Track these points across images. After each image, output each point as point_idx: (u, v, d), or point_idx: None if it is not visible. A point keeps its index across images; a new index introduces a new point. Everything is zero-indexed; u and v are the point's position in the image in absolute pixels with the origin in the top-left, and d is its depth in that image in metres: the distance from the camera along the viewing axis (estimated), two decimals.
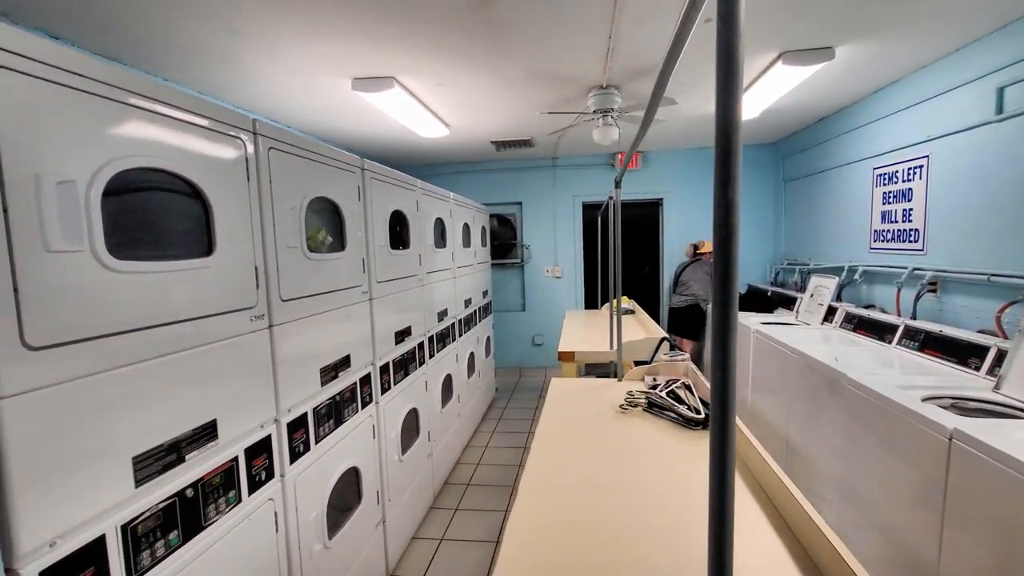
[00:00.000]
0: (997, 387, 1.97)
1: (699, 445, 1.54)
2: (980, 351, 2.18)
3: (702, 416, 1.62)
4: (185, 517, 1.12)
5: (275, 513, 1.44)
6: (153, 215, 1.12)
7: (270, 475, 1.42)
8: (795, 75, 2.78)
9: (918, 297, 2.86)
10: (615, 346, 2.70)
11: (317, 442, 1.67)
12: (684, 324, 4.69)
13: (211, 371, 1.21)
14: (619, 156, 5.25)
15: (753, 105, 3.42)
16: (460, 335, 3.56)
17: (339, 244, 1.91)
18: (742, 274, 5.23)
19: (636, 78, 2.90)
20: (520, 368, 5.74)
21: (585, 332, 3.69)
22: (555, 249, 5.58)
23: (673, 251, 5.36)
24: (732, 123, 0.44)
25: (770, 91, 3.09)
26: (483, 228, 4.51)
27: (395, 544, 2.34)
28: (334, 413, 1.79)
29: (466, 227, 3.84)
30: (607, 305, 4.60)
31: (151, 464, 1.04)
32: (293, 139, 1.58)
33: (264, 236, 1.42)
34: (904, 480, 1.83)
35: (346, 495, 1.95)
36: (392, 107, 3.12)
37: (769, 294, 4.55)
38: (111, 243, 0.96)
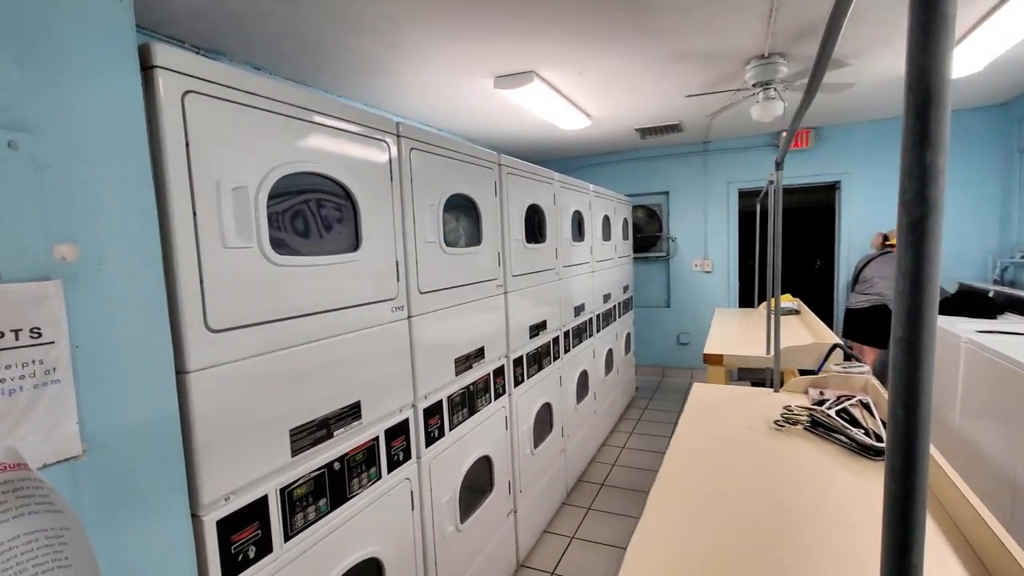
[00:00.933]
0: None
1: (876, 477, 1.27)
2: None
3: (882, 444, 1.32)
4: (333, 487, 1.24)
5: (411, 492, 1.54)
6: (308, 215, 1.25)
7: (407, 456, 1.52)
8: None
9: None
10: (772, 350, 2.38)
11: (451, 429, 1.74)
12: (866, 328, 3.97)
13: (356, 357, 1.32)
14: (784, 134, 4.62)
15: (973, 57, 2.72)
16: (597, 331, 3.47)
17: (476, 238, 1.96)
18: (949, 270, 4.25)
19: (806, 39, 2.49)
20: (663, 367, 5.43)
21: (738, 333, 3.33)
22: (705, 241, 5.14)
23: (853, 242, 4.57)
24: (936, 54, 0.31)
25: (999, 36, 2.42)
26: (625, 220, 4.33)
27: (526, 535, 2.36)
28: (467, 402, 1.85)
29: (606, 219, 3.72)
30: (765, 304, 4.10)
31: (305, 437, 1.17)
32: (433, 139, 1.66)
33: (404, 232, 1.51)
34: None
35: (479, 482, 2.01)
36: (532, 102, 3.13)
37: (991, 295, 3.62)
38: (274, 241, 1.09)
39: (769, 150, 4.79)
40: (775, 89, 2.67)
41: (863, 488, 1.23)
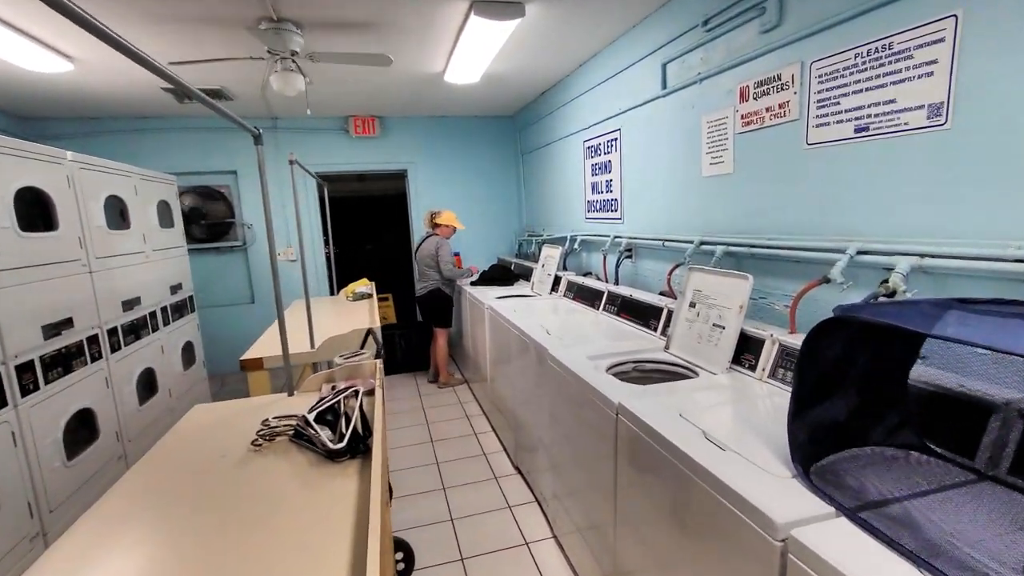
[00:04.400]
0: (667, 347, 2.08)
1: (330, 485, 1.15)
2: (657, 312, 2.31)
3: (343, 445, 1.22)
4: None
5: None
6: None
7: None
8: (495, 32, 2.59)
9: (618, 264, 3.04)
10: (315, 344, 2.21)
11: None
12: (430, 312, 4.22)
13: None
14: (353, 120, 4.66)
15: (468, 68, 3.21)
16: (114, 351, 2.61)
17: None
18: (488, 247, 5.22)
19: (318, 16, 2.35)
20: None
21: (305, 326, 3.09)
22: (287, 228, 4.76)
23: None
24: None
25: (478, 51, 2.89)
26: (165, 203, 3.45)
27: None
28: None
29: (121, 203, 2.83)
30: (343, 290, 4.04)
31: None
32: None
33: None
34: (590, 450, 1.79)
35: None
36: None
37: (512, 267, 4.59)
38: None
39: (340, 134, 4.75)
40: (294, 61, 2.46)
41: (320, 501, 1.08)
